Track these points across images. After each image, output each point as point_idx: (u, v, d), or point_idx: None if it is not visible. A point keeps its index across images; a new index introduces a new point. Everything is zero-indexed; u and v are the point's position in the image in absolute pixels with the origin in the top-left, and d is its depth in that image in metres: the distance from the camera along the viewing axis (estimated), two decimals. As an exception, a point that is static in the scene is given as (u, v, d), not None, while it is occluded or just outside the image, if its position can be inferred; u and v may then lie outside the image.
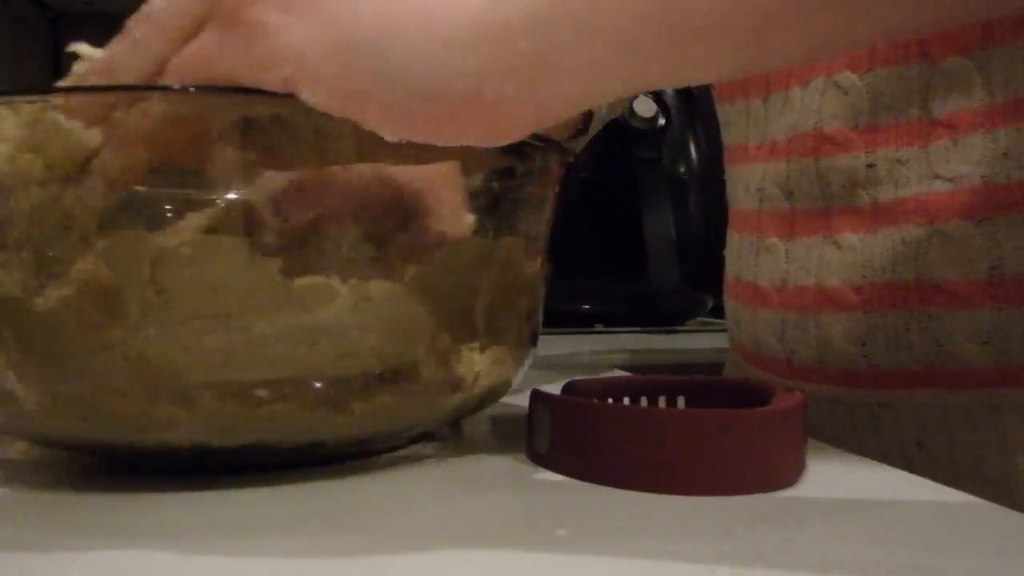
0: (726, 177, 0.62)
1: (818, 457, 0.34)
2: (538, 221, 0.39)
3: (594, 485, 0.30)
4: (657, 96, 1.10)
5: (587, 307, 1.12)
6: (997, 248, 0.44)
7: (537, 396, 0.33)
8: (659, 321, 1.18)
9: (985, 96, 0.45)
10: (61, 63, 1.61)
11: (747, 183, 0.59)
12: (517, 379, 0.38)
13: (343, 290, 0.29)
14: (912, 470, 0.38)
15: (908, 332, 0.48)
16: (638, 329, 1.16)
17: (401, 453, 0.35)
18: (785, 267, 0.54)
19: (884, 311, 0.49)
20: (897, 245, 0.48)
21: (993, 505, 0.29)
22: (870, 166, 0.49)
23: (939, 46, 0.46)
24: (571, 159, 0.40)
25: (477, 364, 0.34)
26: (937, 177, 0.46)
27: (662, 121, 1.09)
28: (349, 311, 0.30)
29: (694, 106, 1.19)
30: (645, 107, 1.02)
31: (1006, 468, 0.45)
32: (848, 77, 0.50)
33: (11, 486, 0.31)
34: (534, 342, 0.40)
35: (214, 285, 0.28)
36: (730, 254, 0.62)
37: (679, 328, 1.21)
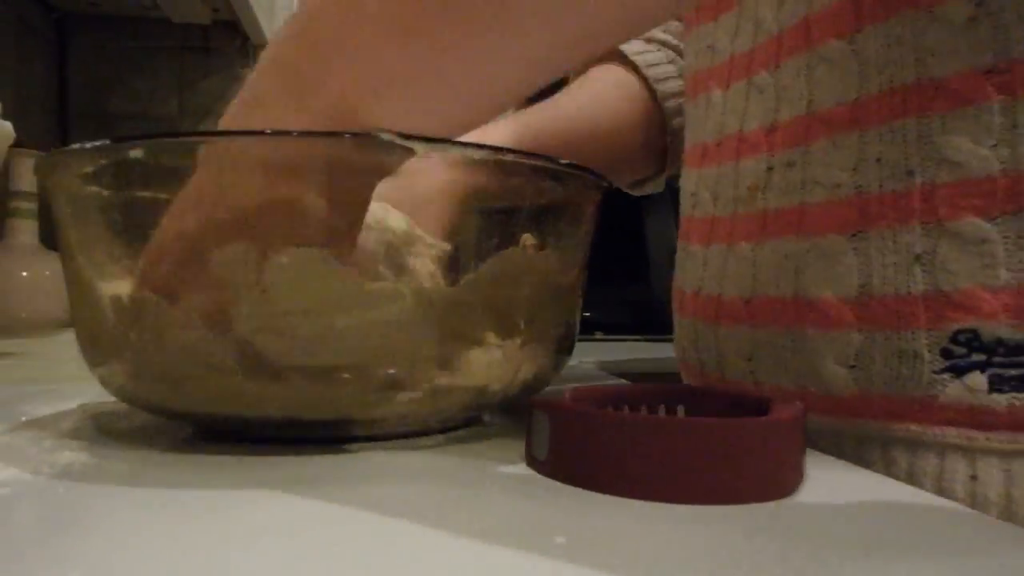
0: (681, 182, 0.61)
1: (817, 467, 0.34)
2: (576, 238, 0.43)
3: (593, 493, 0.30)
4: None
5: (588, 314, 1.12)
6: (867, 265, 0.42)
7: (536, 403, 0.33)
8: (660, 329, 1.18)
9: (860, 85, 0.42)
10: (66, 64, 1.61)
11: (685, 188, 0.58)
12: (553, 378, 0.42)
13: (407, 292, 0.35)
14: None
15: (784, 350, 0.46)
16: (639, 337, 1.17)
17: (400, 454, 0.35)
18: (702, 274, 0.53)
19: (767, 326, 0.47)
20: (780, 258, 0.46)
21: (993, 519, 0.28)
22: (769, 168, 0.47)
23: (819, 28, 0.44)
24: (607, 184, 0.41)
25: (510, 361, 0.39)
26: (817, 184, 0.44)
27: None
28: (411, 310, 0.35)
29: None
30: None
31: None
32: (762, 76, 0.48)
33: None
34: (570, 348, 0.43)
35: (304, 287, 0.34)
36: (676, 264, 0.61)
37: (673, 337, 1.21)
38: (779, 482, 0.30)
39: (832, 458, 0.37)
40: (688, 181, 0.57)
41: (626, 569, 0.22)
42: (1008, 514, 0.38)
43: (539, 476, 0.32)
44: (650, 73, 0.71)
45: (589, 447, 0.31)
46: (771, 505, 0.29)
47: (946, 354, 0.39)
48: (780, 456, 0.31)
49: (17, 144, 0.77)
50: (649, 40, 0.72)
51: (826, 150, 0.44)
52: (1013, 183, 0.37)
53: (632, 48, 0.72)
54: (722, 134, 0.52)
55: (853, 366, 0.42)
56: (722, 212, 0.51)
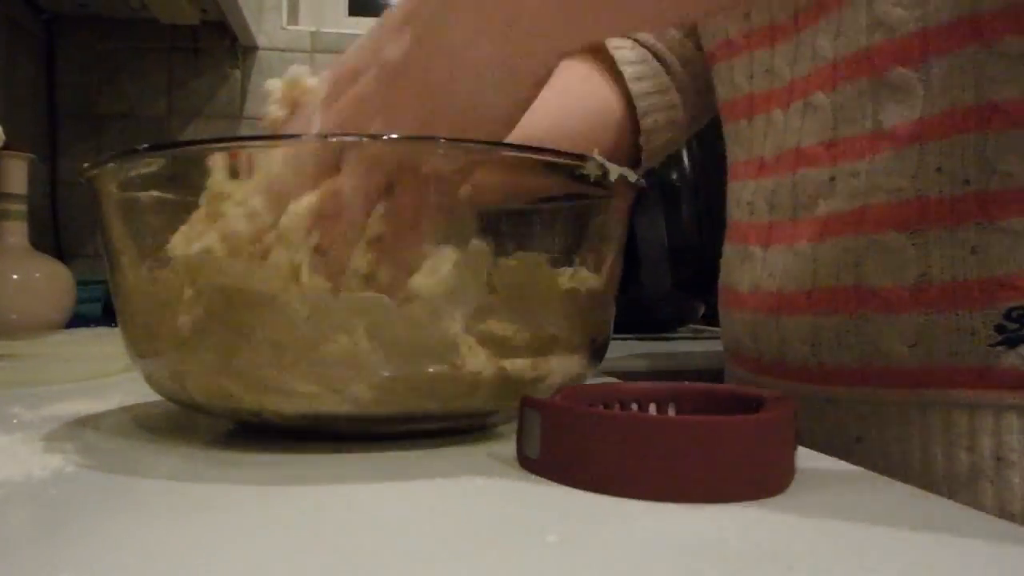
0: (727, 192, 0.67)
1: (808, 464, 0.34)
2: (607, 242, 0.44)
3: (584, 491, 0.30)
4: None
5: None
6: (926, 258, 0.48)
7: (527, 402, 0.33)
8: (651, 328, 1.18)
9: (924, 107, 0.49)
10: (55, 65, 1.61)
11: (739, 197, 0.64)
12: (586, 378, 0.44)
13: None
14: (850, 461, 0.41)
15: (848, 334, 0.52)
16: (630, 336, 1.17)
17: (392, 453, 0.35)
18: (759, 273, 0.59)
19: (829, 314, 0.53)
20: (840, 253, 0.52)
21: (986, 515, 0.29)
22: (831, 179, 0.53)
23: (882, 57, 0.50)
24: (642, 185, 0.43)
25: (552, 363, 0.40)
26: (879, 189, 0.50)
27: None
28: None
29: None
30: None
31: (927, 460, 0.49)
32: (818, 97, 0.54)
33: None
34: (600, 352, 0.44)
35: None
36: (723, 264, 0.67)
37: (671, 335, 1.21)
38: (770, 480, 0.30)
39: (823, 455, 0.38)
40: (744, 191, 0.63)
41: (617, 567, 0.23)
42: None
43: (530, 475, 0.32)
44: (627, 72, 0.72)
45: (580, 446, 0.31)
46: (762, 503, 0.29)
47: (1000, 329, 0.47)
48: (770, 454, 0.31)
49: (6, 146, 0.77)
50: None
51: (889, 161, 0.50)
52: None
53: (611, 43, 0.73)
54: (780, 149, 0.58)
55: (914, 344, 0.49)
56: (780, 217, 0.58)
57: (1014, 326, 0.46)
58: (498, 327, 0.38)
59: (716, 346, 1.07)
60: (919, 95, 0.49)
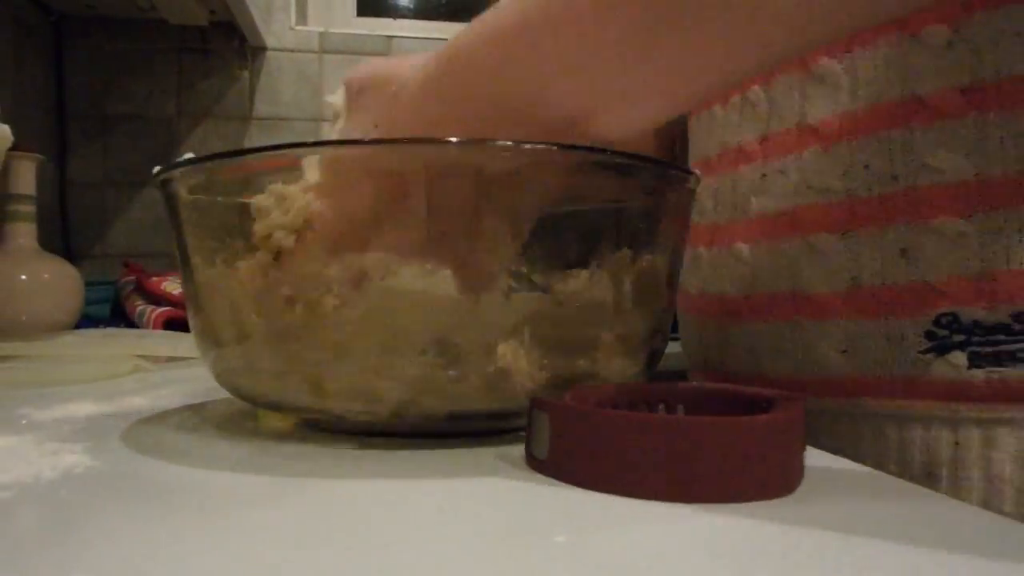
0: None
1: (817, 464, 0.34)
2: (672, 241, 0.44)
3: (593, 492, 0.30)
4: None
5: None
6: (857, 261, 0.47)
7: (536, 403, 0.33)
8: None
9: (851, 100, 0.47)
10: (63, 66, 1.61)
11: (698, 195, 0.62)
12: (647, 373, 0.44)
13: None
14: None
15: (784, 340, 0.51)
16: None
17: (400, 453, 0.35)
18: (705, 275, 0.58)
19: (767, 320, 0.52)
20: (777, 258, 0.51)
21: (995, 515, 0.29)
22: (763, 176, 0.52)
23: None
24: (696, 179, 0.43)
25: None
26: (810, 188, 0.49)
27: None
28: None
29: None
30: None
31: None
32: (754, 91, 0.53)
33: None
34: (663, 345, 0.45)
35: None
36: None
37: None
38: (779, 480, 0.30)
39: (831, 455, 0.37)
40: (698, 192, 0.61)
41: (626, 568, 0.23)
42: (988, 476, 0.43)
43: (539, 475, 0.32)
44: None
45: (590, 446, 0.31)
46: (771, 503, 0.29)
47: (930, 336, 0.44)
48: (780, 454, 0.31)
49: (15, 147, 0.77)
50: None
51: (818, 158, 0.48)
52: (984, 186, 0.43)
53: None
54: (723, 147, 0.56)
55: (845, 351, 0.47)
56: (722, 218, 0.56)
57: (944, 332, 0.44)
58: (624, 326, 0.41)
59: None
60: (844, 88, 0.47)
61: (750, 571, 0.22)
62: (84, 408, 0.47)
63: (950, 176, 0.43)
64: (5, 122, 0.72)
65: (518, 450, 0.35)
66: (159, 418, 0.45)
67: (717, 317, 0.56)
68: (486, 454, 0.36)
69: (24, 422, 0.43)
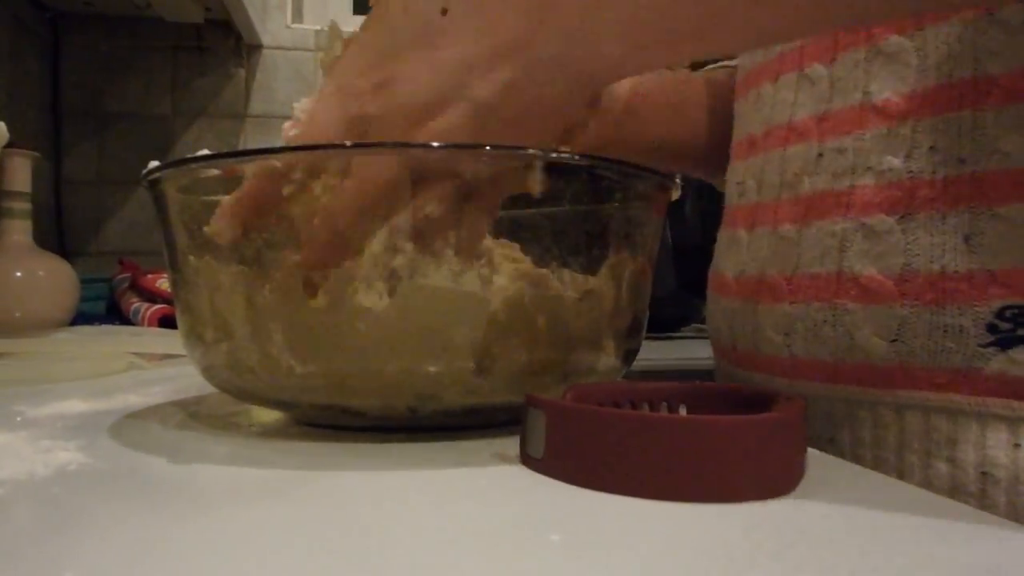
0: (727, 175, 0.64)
1: (817, 465, 0.34)
2: (644, 244, 0.45)
3: (589, 491, 0.30)
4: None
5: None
6: (914, 244, 0.45)
7: (532, 401, 0.33)
8: (655, 327, 1.18)
9: (918, 79, 0.45)
10: (60, 63, 1.61)
11: (733, 179, 0.61)
12: (624, 370, 0.46)
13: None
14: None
15: (824, 325, 0.48)
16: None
17: (394, 448, 0.35)
18: (744, 258, 0.56)
19: (807, 303, 0.50)
20: (825, 238, 0.49)
21: (994, 517, 0.28)
22: (819, 155, 0.50)
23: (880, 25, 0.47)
24: (679, 185, 0.44)
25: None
26: (869, 168, 0.47)
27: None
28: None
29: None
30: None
31: (903, 468, 0.45)
32: (816, 68, 0.51)
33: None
34: (630, 355, 0.46)
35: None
36: (716, 250, 0.64)
37: (675, 334, 1.21)
38: (778, 480, 0.30)
39: (832, 456, 0.37)
40: (735, 172, 0.60)
41: (622, 568, 0.22)
42: None
43: (534, 474, 0.32)
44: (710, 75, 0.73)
45: (586, 445, 0.30)
46: (770, 503, 0.29)
47: (992, 329, 0.42)
48: (779, 454, 0.30)
49: (10, 144, 0.77)
50: None
51: (879, 138, 0.46)
52: None
53: None
54: (770, 124, 0.55)
55: (894, 340, 0.45)
56: (766, 198, 0.54)
57: (1007, 326, 0.42)
58: (618, 324, 0.43)
59: (720, 346, 1.07)
60: (913, 66, 0.45)
61: (746, 571, 0.22)
62: (78, 405, 0.47)
63: (1021, 161, 0.42)
64: (1, 119, 0.72)
65: (512, 448, 0.35)
66: (153, 415, 0.45)
67: (752, 299, 0.54)
68: (481, 452, 0.36)
69: (18, 419, 0.42)
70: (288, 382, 0.38)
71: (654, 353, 0.99)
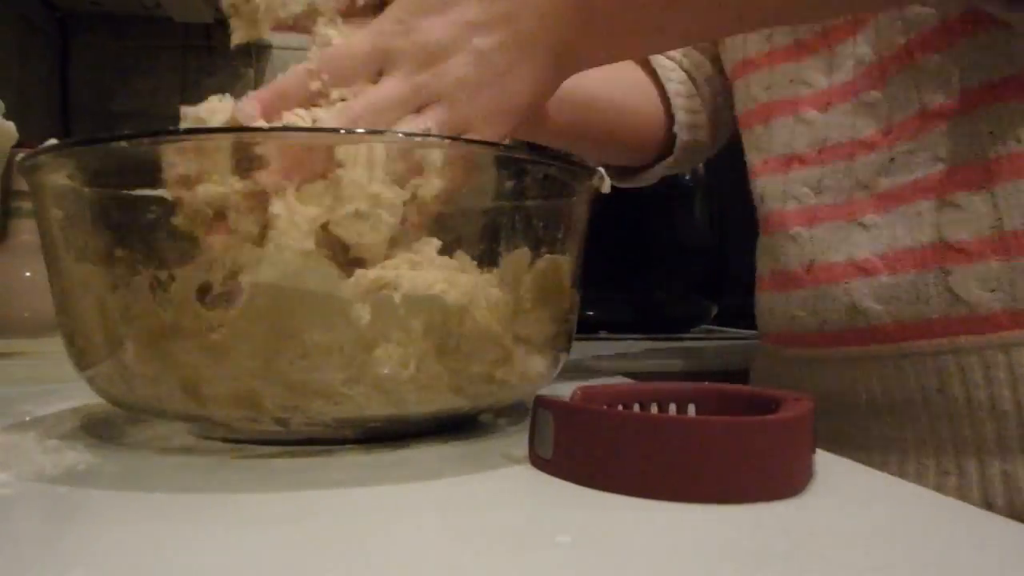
0: (751, 190, 0.71)
1: (826, 466, 0.34)
2: (570, 237, 0.43)
3: (598, 491, 0.30)
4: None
5: (591, 314, 1.12)
6: (995, 209, 0.52)
7: (541, 402, 0.33)
8: (664, 328, 1.18)
9: (963, 83, 0.54)
10: (69, 63, 1.61)
11: (769, 191, 0.68)
12: (552, 376, 0.43)
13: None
14: (932, 415, 0.55)
15: (927, 287, 0.55)
16: (642, 336, 1.16)
17: (402, 453, 0.35)
18: (810, 250, 0.63)
19: (906, 272, 0.56)
20: (913, 217, 0.56)
21: (999, 517, 0.28)
22: (891, 159, 0.58)
23: (920, 49, 0.56)
24: (599, 177, 0.43)
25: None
26: (940, 160, 0.55)
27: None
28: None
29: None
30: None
31: (1018, 399, 0.51)
32: (871, 94, 0.59)
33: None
34: (567, 346, 0.44)
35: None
36: (760, 256, 0.71)
37: (684, 335, 1.21)
38: (786, 481, 0.30)
39: (841, 458, 0.37)
40: (772, 185, 0.67)
41: (630, 568, 0.22)
42: None
43: (542, 474, 0.32)
44: (659, 67, 0.78)
45: (595, 445, 0.30)
46: (778, 504, 0.29)
47: None
48: (787, 455, 0.30)
49: (20, 144, 0.77)
50: None
51: (943, 136, 0.55)
52: None
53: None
54: (824, 144, 0.63)
55: (994, 290, 0.52)
56: (832, 199, 0.62)
57: None
58: (525, 327, 0.39)
59: (727, 347, 1.07)
60: (955, 74, 0.54)
61: (754, 572, 0.22)
62: (87, 405, 0.47)
63: None
64: (10, 119, 0.72)
65: (521, 449, 0.35)
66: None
67: (841, 281, 0.60)
68: (490, 453, 0.36)
69: (27, 418, 0.43)
70: (145, 392, 0.36)
71: (663, 354, 0.98)
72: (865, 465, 0.36)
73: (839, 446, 0.57)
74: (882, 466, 0.57)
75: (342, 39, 0.46)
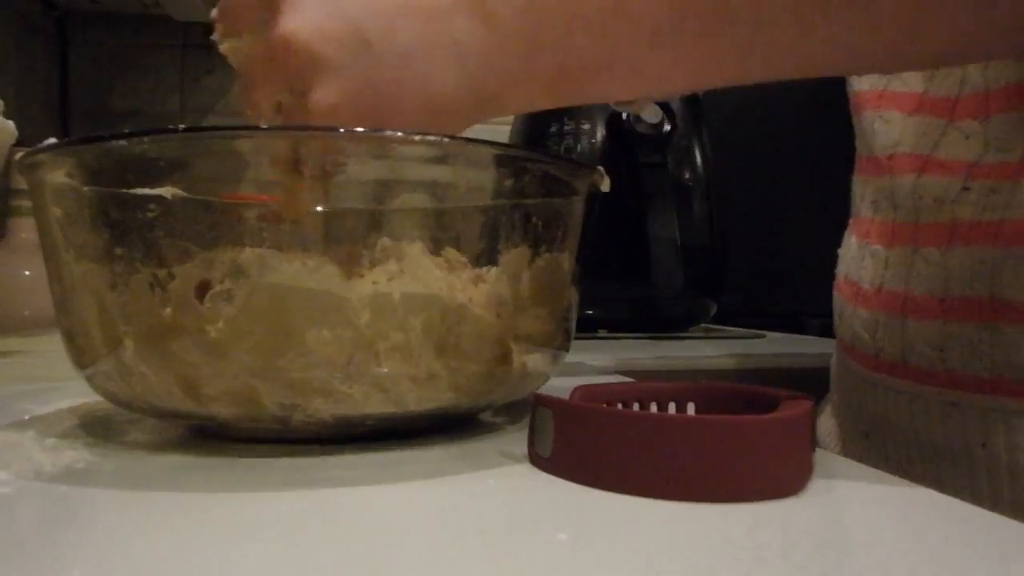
0: (852, 184, 0.68)
1: (825, 465, 0.34)
2: (569, 236, 0.43)
3: (597, 490, 0.30)
4: (663, 102, 1.09)
5: (590, 312, 1.12)
6: None
7: (540, 400, 0.33)
8: (663, 327, 1.18)
9: None
10: (68, 62, 1.61)
11: (862, 192, 0.65)
12: (553, 373, 0.43)
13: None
14: (973, 467, 0.52)
15: (981, 343, 0.52)
16: (642, 335, 1.16)
17: (402, 452, 0.35)
18: (883, 272, 0.60)
19: (961, 322, 0.53)
20: (974, 263, 0.52)
21: (1000, 516, 0.28)
22: (965, 189, 0.54)
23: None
24: (599, 175, 0.43)
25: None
26: (1020, 207, 0.50)
27: (667, 127, 1.09)
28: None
29: (699, 112, 1.19)
30: (651, 112, 1.01)
31: None
32: (969, 124, 0.55)
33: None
34: (566, 345, 0.44)
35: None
36: (844, 254, 0.68)
37: (683, 334, 1.21)
38: (786, 480, 0.30)
39: (841, 457, 0.37)
40: (865, 187, 0.64)
41: (629, 566, 0.22)
42: None
43: (542, 473, 0.32)
44: None
45: (594, 444, 0.30)
46: (777, 503, 0.29)
47: None
48: (786, 454, 0.30)
49: (18, 142, 0.77)
50: None
51: None
52: None
53: None
54: (895, 150, 0.59)
55: None
56: (903, 219, 0.58)
57: None
58: (525, 326, 0.39)
59: (727, 346, 1.07)
60: None
61: (753, 571, 0.22)
62: (87, 404, 0.47)
63: None
64: (9, 118, 0.72)
65: (520, 448, 0.35)
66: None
67: (900, 314, 0.57)
68: (489, 451, 0.36)
69: (27, 417, 0.43)
70: (144, 390, 0.36)
71: (662, 353, 0.98)
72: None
73: (884, 460, 0.57)
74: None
75: None
